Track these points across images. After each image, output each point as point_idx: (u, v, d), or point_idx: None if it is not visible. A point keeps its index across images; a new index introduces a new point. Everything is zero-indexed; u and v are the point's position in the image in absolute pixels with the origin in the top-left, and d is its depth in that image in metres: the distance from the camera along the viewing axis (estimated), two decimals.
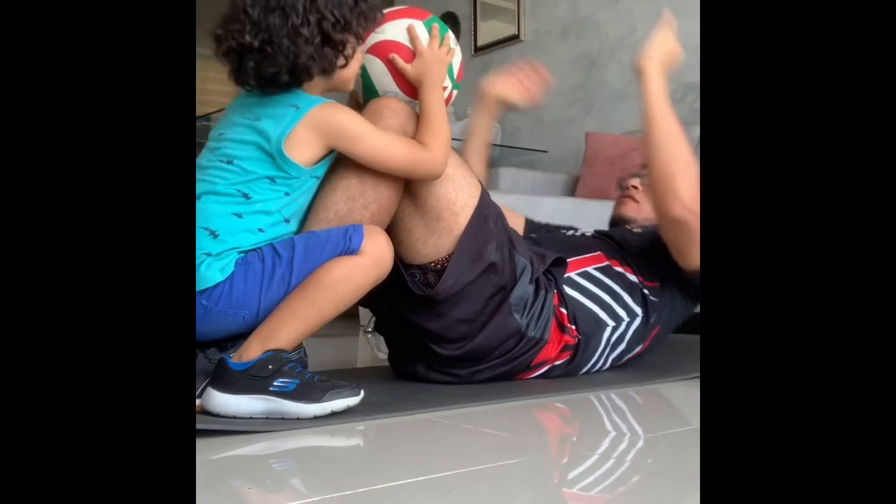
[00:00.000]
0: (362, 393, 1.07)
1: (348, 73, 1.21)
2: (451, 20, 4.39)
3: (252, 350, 1.04)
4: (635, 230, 1.72)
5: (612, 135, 3.29)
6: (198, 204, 1.13)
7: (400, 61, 1.28)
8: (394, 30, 1.30)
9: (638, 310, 1.54)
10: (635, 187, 1.82)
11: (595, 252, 1.57)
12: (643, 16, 3.46)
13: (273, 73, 1.12)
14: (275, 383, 1.02)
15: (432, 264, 1.30)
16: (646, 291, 1.55)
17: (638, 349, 1.58)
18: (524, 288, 1.37)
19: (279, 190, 1.14)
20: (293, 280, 1.10)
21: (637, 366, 1.62)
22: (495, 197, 1.42)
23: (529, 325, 1.38)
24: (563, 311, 1.44)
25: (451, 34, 1.35)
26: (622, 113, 3.54)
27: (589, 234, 1.69)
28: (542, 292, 1.41)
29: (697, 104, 3.23)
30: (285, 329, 1.07)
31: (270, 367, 1.02)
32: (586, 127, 3.63)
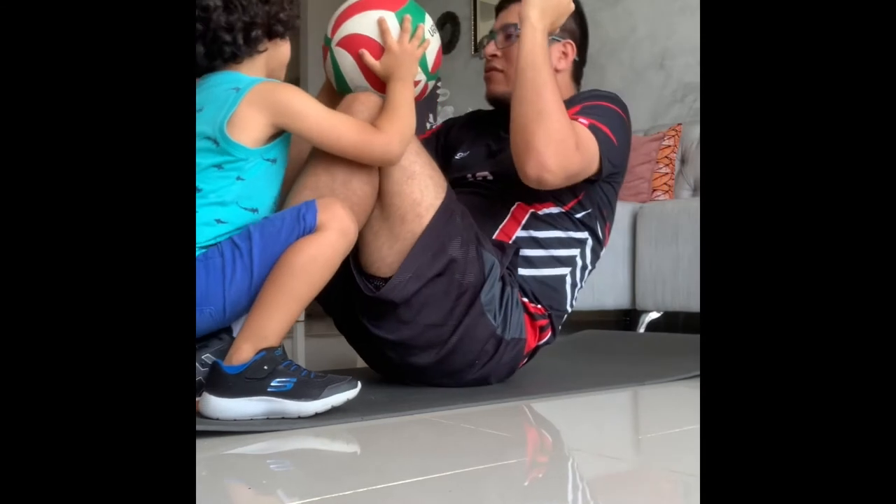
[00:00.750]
0: (359, 385, 1.07)
1: (282, 55, 1.22)
2: (451, 20, 4.39)
3: (243, 352, 1.03)
4: None
5: None
6: None
7: (369, 57, 1.25)
8: (364, 22, 1.27)
9: (581, 234, 1.49)
10: (494, 55, 1.58)
11: (512, 206, 1.47)
12: (643, 16, 3.46)
13: (238, 28, 1.13)
14: (272, 383, 1.01)
15: (396, 274, 1.24)
16: (577, 216, 1.48)
17: (603, 251, 1.57)
18: (493, 286, 1.33)
19: (229, 176, 1.12)
20: (255, 269, 1.08)
21: (637, 366, 1.62)
22: None
23: (505, 328, 1.34)
24: (526, 299, 1.41)
25: (426, 23, 1.31)
26: None
27: (490, 178, 1.55)
28: (508, 289, 1.36)
29: (697, 104, 3.23)
30: (270, 324, 1.05)
31: (266, 367, 1.01)
32: None
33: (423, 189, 1.26)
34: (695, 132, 3.06)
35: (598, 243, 1.53)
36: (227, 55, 1.15)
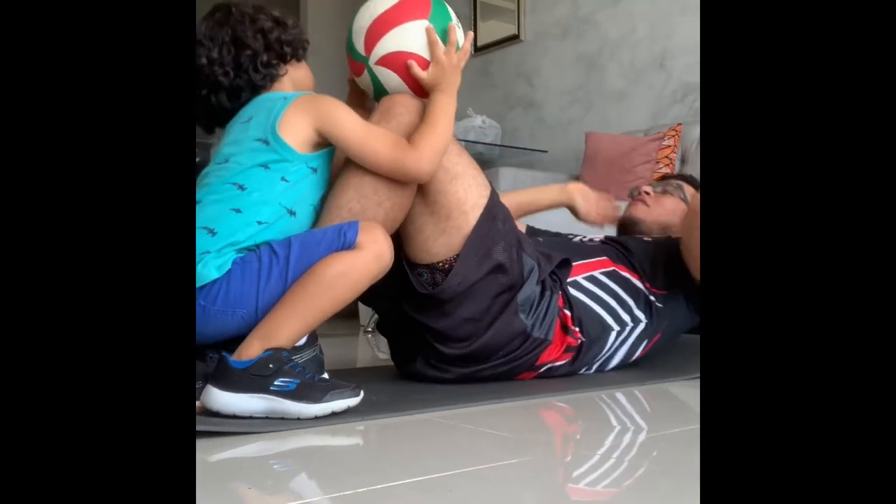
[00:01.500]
0: (362, 393, 1.07)
1: (305, 76, 1.32)
2: None
3: (252, 348, 1.04)
4: (646, 238, 1.73)
5: (612, 135, 3.29)
6: (198, 208, 1.14)
7: (417, 69, 1.28)
8: (405, 38, 1.28)
9: (642, 316, 1.54)
10: (647, 193, 1.87)
11: (601, 257, 1.57)
12: (643, 16, 3.46)
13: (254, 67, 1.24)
14: (276, 383, 1.02)
15: (440, 264, 1.30)
16: (652, 298, 1.55)
17: (637, 354, 1.59)
18: (531, 288, 1.37)
19: (273, 176, 1.16)
20: (290, 277, 1.10)
21: (637, 366, 1.62)
22: None
23: (535, 325, 1.38)
24: (568, 312, 1.44)
25: (452, 15, 1.34)
26: (622, 113, 3.54)
27: (597, 239, 1.69)
28: (548, 293, 1.41)
29: (697, 104, 3.23)
30: (285, 327, 1.07)
31: (271, 366, 1.02)
32: (586, 127, 3.62)
33: (466, 189, 1.31)
34: (695, 132, 3.06)
35: (646, 335, 1.56)
36: (251, 88, 1.25)
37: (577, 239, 1.75)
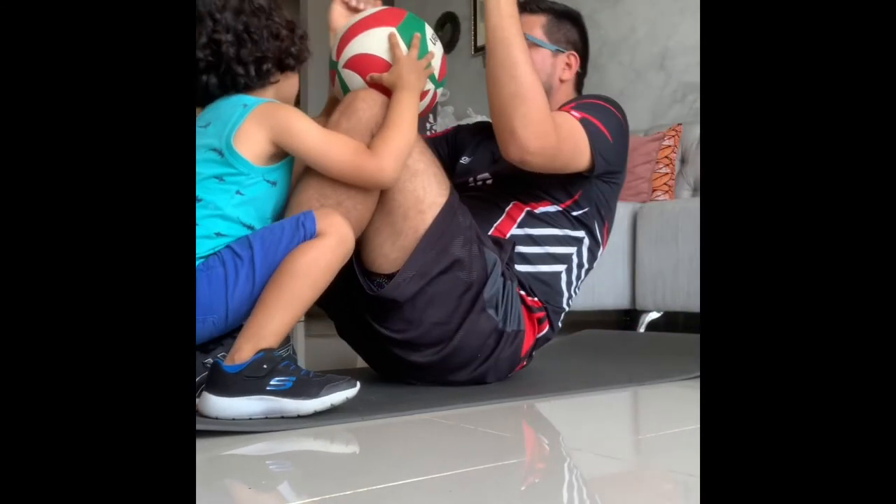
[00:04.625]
0: (358, 384, 1.07)
1: (291, 87, 1.28)
2: (451, 20, 4.39)
3: (244, 351, 1.04)
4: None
5: None
6: None
7: (376, 76, 1.27)
8: (368, 41, 1.29)
9: (577, 233, 1.49)
10: None
11: (508, 205, 1.49)
12: (643, 16, 3.46)
13: (249, 61, 1.19)
14: (271, 382, 1.01)
15: (399, 272, 1.25)
16: (574, 213, 1.48)
17: (601, 251, 1.57)
18: (496, 283, 1.34)
19: (229, 189, 1.14)
20: (257, 277, 1.10)
21: (637, 366, 1.62)
22: None
23: (506, 321, 1.35)
24: (523, 292, 1.42)
25: (427, 33, 1.33)
26: None
27: (490, 181, 1.58)
28: (508, 283, 1.37)
29: (697, 104, 3.23)
30: (271, 325, 1.06)
31: (265, 366, 1.02)
32: None
33: (425, 186, 1.27)
34: (695, 132, 3.06)
35: (596, 243, 1.54)
36: (240, 86, 1.21)
37: (474, 188, 1.61)
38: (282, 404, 1.02)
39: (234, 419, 1.01)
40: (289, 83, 1.28)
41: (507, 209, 1.49)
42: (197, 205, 1.12)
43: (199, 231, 1.12)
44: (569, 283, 1.51)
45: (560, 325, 1.53)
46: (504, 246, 1.41)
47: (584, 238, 1.51)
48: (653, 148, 3.02)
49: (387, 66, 1.27)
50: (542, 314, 1.45)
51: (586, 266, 1.54)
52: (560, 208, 1.48)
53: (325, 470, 0.84)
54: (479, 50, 4.19)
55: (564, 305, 1.51)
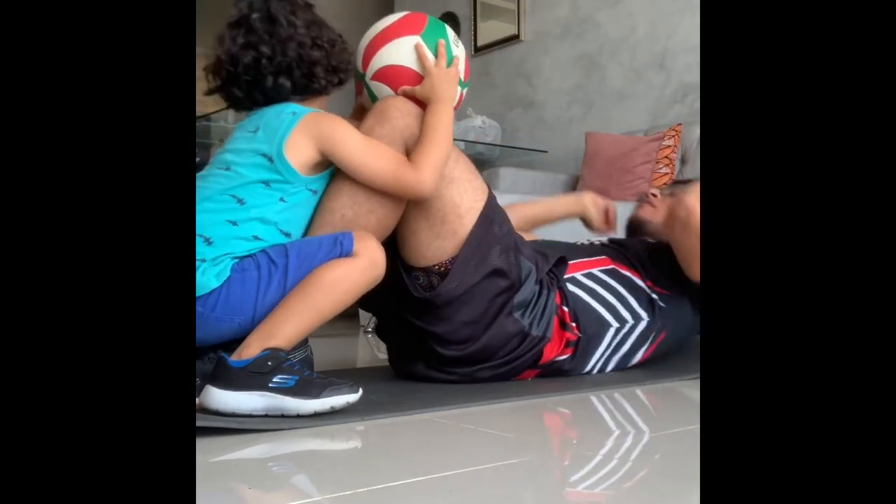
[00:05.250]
0: (361, 391, 1.07)
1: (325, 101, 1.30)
2: (451, 20, 4.39)
3: (251, 348, 1.05)
4: (648, 240, 1.73)
5: (612, 135, 3.29)
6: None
7: (409, 89, 1.30)
8: (395, 52, 1.31)
9: (643, 313, 1.53)
10: (654, 195, 1.87)
11: (600, 256, 1.57)
12: (643, 16, 3.46)
13: (299, 75, 1.21)
14: (274, 380, 1.02)
15: (436, 267, 1.30)
16: (654, 296, 1.55)
17: (641, 355, 1.58)
18: (528, 290, 1.38)
19: (273, 195, 1.16)
20: (288, 286, 1.12)
21: (637, 366, 1.62)
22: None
23: (532, 323, 1.38)
24: (566, 308, 1.45)
25: (450, 36, 1.35)
26: (622, 113, 3.54)
27: (598, 243, 1.69)
28: (545, 291, 1.41)
29: (697, 104, 3.23)
30: (284, 328, 1.07)
31: (269, 363, 1.03)
32: (586, 127, 3.62)
33: (462, 193, 1.31)
34: (695, 132, 3.06)
35: (648, 333, 1.55)
36: (311, 89, 1.24)
37: (579, 242, 1.75)
38: (283, 402, 1.02)
39: (234, 413, 1.01)
40: (324, 101, 1.30)
41: (598, 258, 1.56)
42: (239, 206, 1.15)
43: (237, 232, 1.14)
44: (609, 343, 1.51)
45: (581, 372, 1.51)
46: (549, 257, 1.46)
47: (644, 320, 1.53)
48: (653, 148, 3.02)
49: (416, 77, 1.30)
50: (573, 337, 1.45)
51: (629, 345, 1.54)
52: (645, 285, 1.54)
53: (325, 470, 0.84)
54: (479, 50, 4.19)
55: (594, 358, 1.50)
